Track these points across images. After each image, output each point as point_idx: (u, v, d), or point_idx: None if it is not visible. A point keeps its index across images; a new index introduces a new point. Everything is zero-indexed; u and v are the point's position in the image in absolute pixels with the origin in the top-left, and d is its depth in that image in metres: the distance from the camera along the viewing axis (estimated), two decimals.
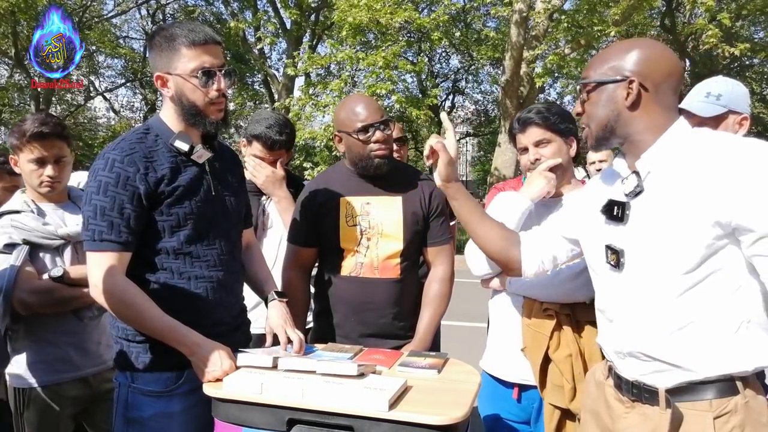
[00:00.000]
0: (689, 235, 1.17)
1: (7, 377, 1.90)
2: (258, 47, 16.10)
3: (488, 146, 24.32)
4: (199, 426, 1.50)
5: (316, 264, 2.09)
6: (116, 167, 1.47)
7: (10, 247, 1.82)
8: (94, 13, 18.34)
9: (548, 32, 10.69)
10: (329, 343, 1.81)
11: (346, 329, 1.95)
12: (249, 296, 1.82)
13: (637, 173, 1.29)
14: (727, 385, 1.20)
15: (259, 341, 1.78)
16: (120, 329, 1.56)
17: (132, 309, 1.47)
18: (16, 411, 1.89)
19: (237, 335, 1.69)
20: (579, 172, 4.51)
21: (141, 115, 21.91)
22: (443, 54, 20.12)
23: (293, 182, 2.33)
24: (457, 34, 15.99)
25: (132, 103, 23.46)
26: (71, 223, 1.95)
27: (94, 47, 18.53)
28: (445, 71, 21.45)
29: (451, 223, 2.26)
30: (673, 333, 1.22)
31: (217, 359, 1.44)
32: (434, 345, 2.02)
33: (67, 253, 1.92)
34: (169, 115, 1.59)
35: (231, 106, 3.66)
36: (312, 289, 2.10)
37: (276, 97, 16.03)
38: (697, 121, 1.85)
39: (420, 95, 15.00)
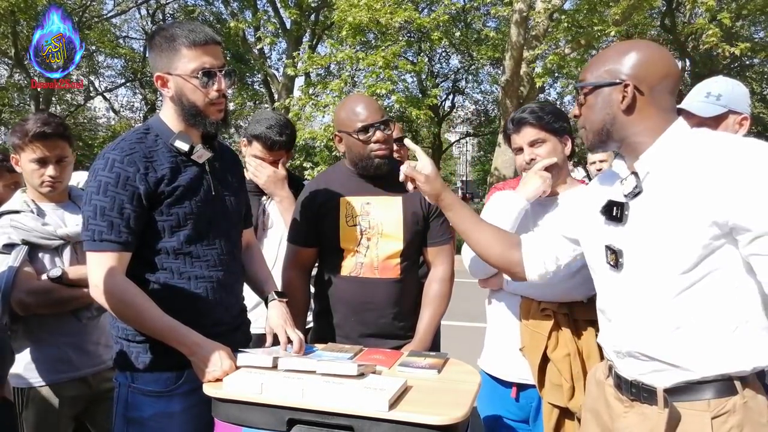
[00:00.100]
0: (686, 235, 1.17)
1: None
2: (258, 47, 16.06)
3: (488, 146, 24.36)
4: (199, 426, 1.50)
5: (316, 264, 2.10)
6: (116, 167, 1.47)
7: (9, 247, 1.83)
8: (94, 12, 18.33)
9: (548, 32, 10.66)
10: (329, 343, 1.81)
11: (346, 329, 1.95)
12: (249, 296, 1.83)
13: (635, 174, 1.29)
14: (726, 385, 1.20)
15: (259, 341, 1.78)
16: (120, 329, 1.56)
17: (132, 309, 1.47)
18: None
19: (237, 335, 1.69)
20: (579, 173, 4.52)
21: (141, 115, 21.90)
22: (443, 54, 20.13)
23: (293, 182, 2.34)
24: (457, 34, 15.97)
25: (132, 103, 23.51)
26: (71, 223, 1.95)
27: (93, 47, 18.52)
28: (445, 71, 21.48)
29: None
30: (671, 333, 1.22)
31: (217, 359, 1.44)
32: (434, 345, 2.02)
33: (67, 253, 1.92)
34: (169, 115, 1.59)
35: (231, 106, 3.66)
36: (312, 289, 2.10)
37: (276, 97, 16.00)
38: (697, 121, 1.85)
39: (420, 95, 15.00)
